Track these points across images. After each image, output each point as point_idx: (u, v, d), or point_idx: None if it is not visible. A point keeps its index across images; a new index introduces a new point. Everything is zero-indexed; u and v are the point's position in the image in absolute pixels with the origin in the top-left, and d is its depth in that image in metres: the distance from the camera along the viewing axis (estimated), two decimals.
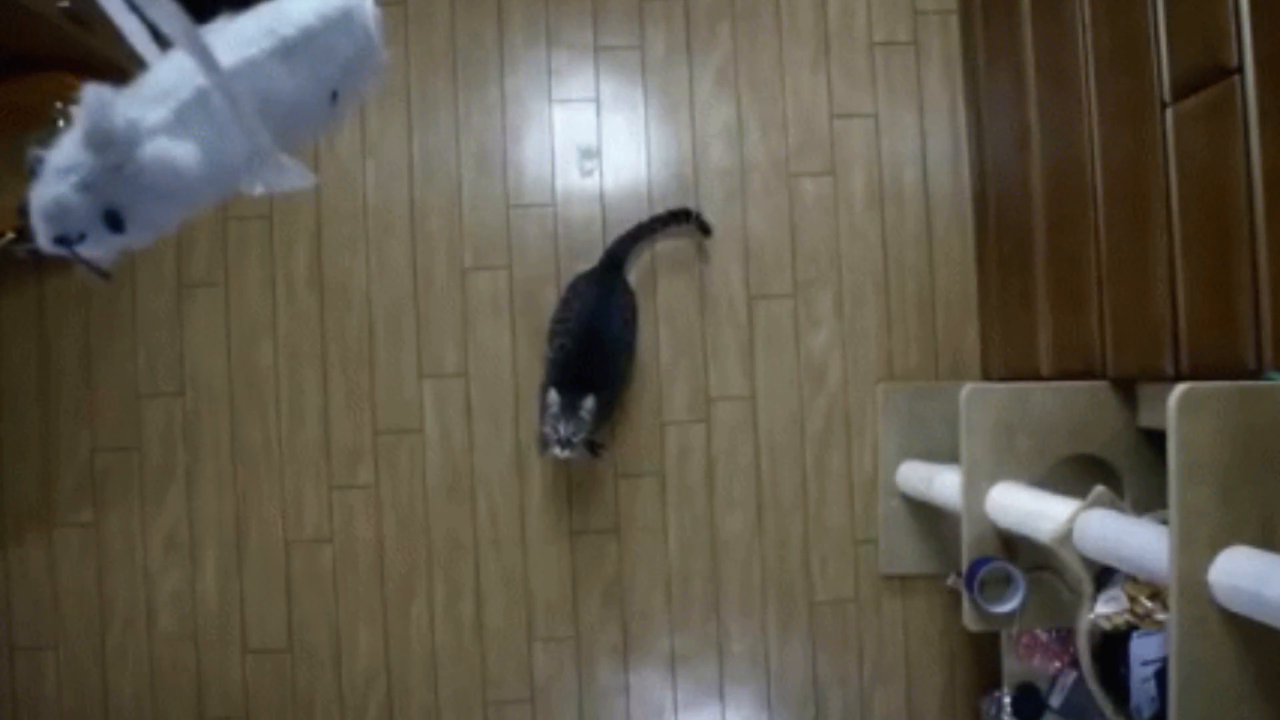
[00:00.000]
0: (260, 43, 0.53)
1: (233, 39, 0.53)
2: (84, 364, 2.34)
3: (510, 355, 2.36)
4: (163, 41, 0.54)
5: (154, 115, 0.50)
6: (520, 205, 2.39)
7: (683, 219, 2.34)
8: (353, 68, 0.57)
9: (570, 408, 2.08)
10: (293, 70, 0.54)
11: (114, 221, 0.50)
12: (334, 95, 0.57)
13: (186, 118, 0.51)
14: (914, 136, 2.41)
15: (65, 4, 1.83)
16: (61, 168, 0.50)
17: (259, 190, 0.56)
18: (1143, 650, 1.52)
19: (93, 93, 0.49)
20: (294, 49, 0.54)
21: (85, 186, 0.49)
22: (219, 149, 0.52)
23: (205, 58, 0.50)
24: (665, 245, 2.38)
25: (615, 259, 2.28)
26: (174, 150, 0.50)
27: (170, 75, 0.52)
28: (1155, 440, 1.71)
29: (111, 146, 0.48)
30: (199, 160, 0.51)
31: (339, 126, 0.60)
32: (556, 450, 2.10)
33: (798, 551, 2.37)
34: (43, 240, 0.51)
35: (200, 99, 0.51)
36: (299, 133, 0.57)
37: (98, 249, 0.51)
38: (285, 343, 2.35)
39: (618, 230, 2.34)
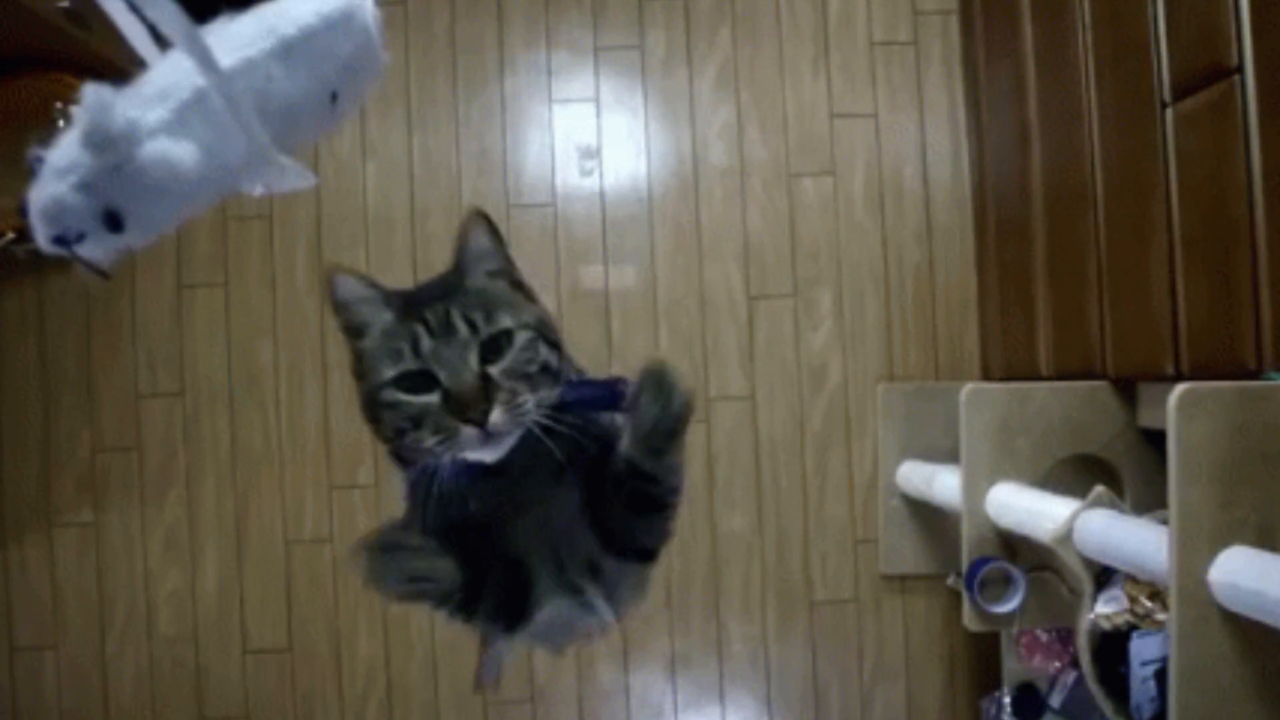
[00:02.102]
0: (260, 43, 0.53)
1: (232, 39, 0.53)
2: (84, 364, 2.34)
3: None
4: (162, 41, 0.53)
5: (153, 115, 0.50)
6: (520, 205, 2.39)
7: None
8: (353, 68, 0.57)
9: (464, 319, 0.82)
10: (292, 70, 0.54)
11: (113, 221, 0.50)
12: (334, 96, 0.57)
13: (186, 118, 0.51)
14: (914, 136, 2.41)
15: (65, 4, 1.83)
16: (60, 167, 0.50)
17: (259, 190, 0.56)
18: (1143, 650, 1.52)
19: (92, 92, 0.49)
20: (294, 49, 0.53)
21: (84, 186, 0.49)
22: (218, 149, 0.51)
23: (204, 57, 0.50)
24: (665, 244, 2.38)
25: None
26: (174, 150, 0.50)
27: (170, 75, 0.52)
28: (1155, 440, 1.71)
29: (111, 146, 0.48)
30: (198, 160, 0.50)
31: (339, 127, 0.59)
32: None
33: (798, 551, 2.37)
34: (42, 240, 0.51)
35: (200, 99, 0.51)
36: (299, 133, 0.57)
37: (97, 249, 0.51)
38: (285, 343, 2.35)
39: (618, 229, 2.34)
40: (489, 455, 0.78)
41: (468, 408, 0.76)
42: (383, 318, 0.81)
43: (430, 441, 0.77)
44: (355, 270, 0.82)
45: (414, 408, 0.78)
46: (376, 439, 0.82)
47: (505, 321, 0.81)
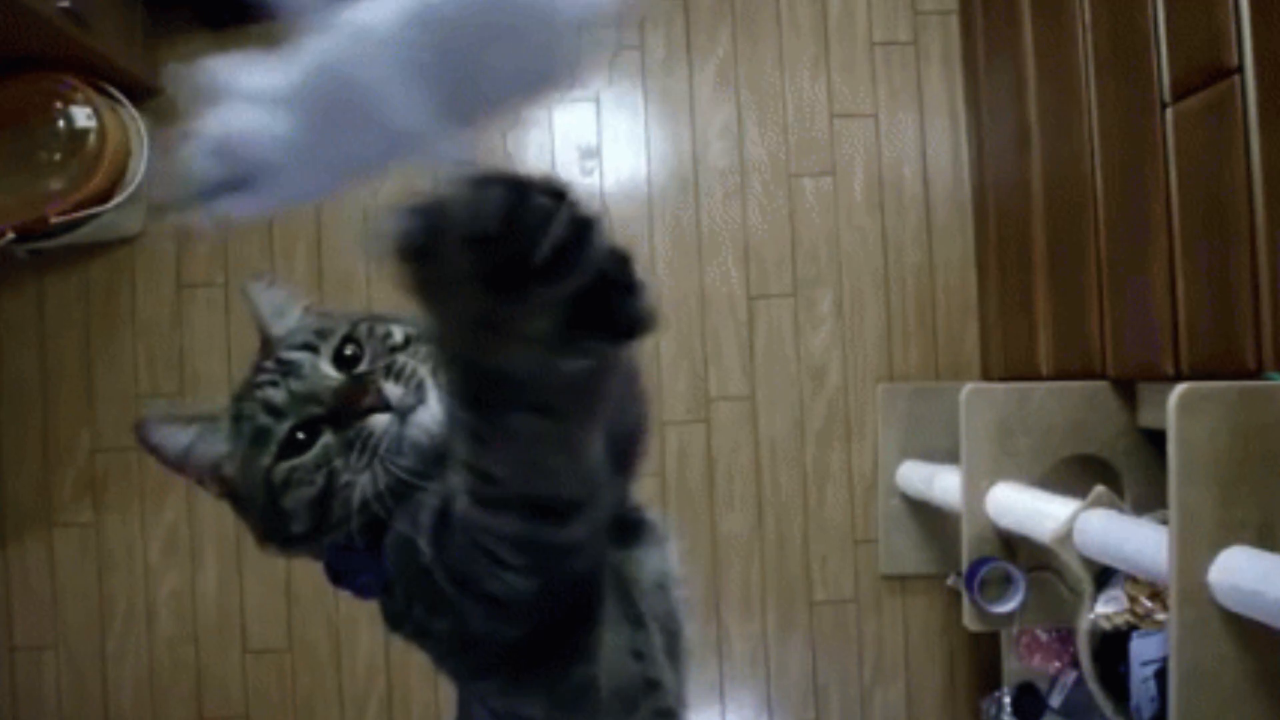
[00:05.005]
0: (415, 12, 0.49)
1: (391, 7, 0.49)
2: (84, 364, 2.34)
3: None
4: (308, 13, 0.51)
5: (285, 83, 0.49)
6: None
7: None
8: (548, 52, 0.50)
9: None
10: (466, 45, 0.49)
11: (243, 186, 0.49)
12: (526, 78, 0.51)
13: (325, 88, 0.48)
14: (914, 136, 2.41)
15: (65, 4, 1.84)
16: (202, 134, 0.48)
17: (413, 167, 0.53)
18: (1143, 650, 1.52)
19: (226, 62, 0.48)
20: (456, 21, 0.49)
21: (217, 152, 0.48)
22: (357, 123, 0.49)
23: (357, 28, 0.47)
24: (664, 243, 2.38)
25: None
26: (308, 120, 0.48)
27: (317, 45, 0.50)
28: (1155, 440, 1.71)
29: (249, 113, 0.47)
30: (335, 131, 0.48)
31: (532, 110, 0.53)
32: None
33: (798, 551, 2.37)
34: (181, 198, 0.50)
35: (343, 67, 0.48)
36: (472, 112, 0.53)
37: (232, 209, 0.49)
38: None
39: (618, 229, 2.33)
40: (423, 428, 0.67)
41: (356, 404, 0.67)
42: (220, 430, 0.73)
43: (354, 460, 0.67)
44: (160, 412, 0.74)
45: (312, 458, 0.68)
46: (299, 555, 0.73)
47: (340, 329, 0.72)
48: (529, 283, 0.45)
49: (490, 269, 0.45)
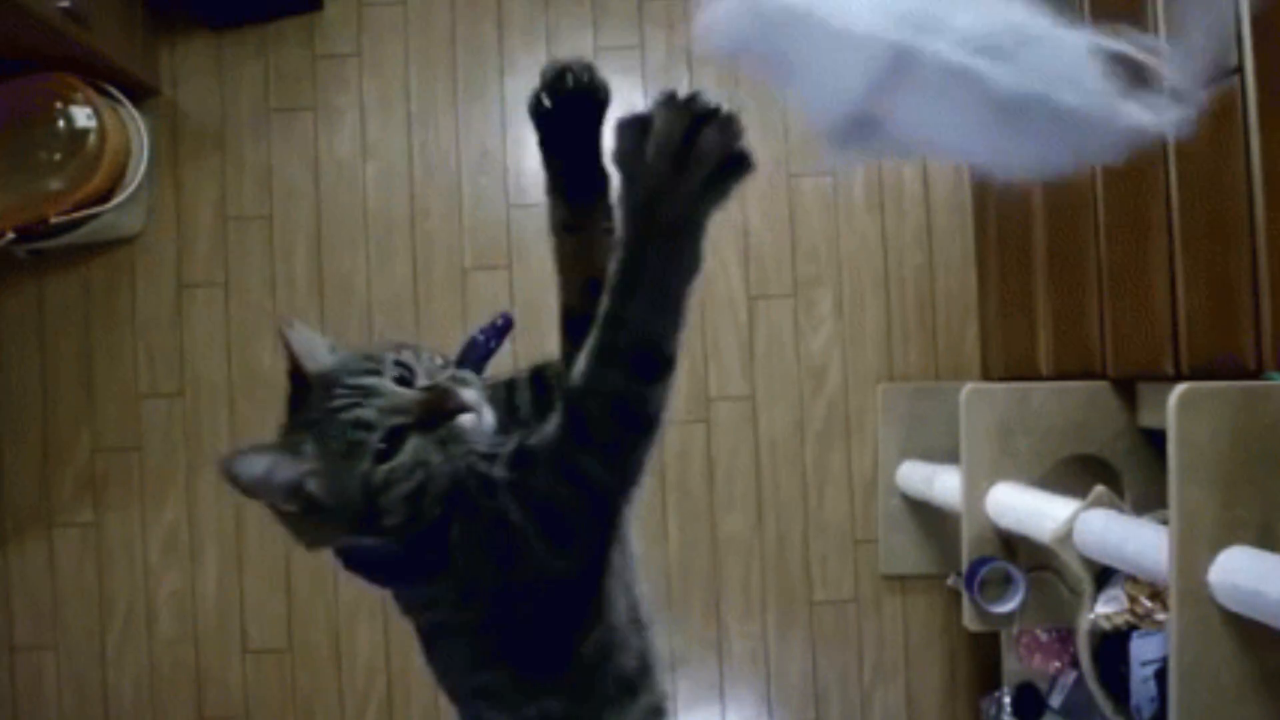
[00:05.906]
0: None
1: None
2: (84, 364, 2.34)
3: (510, 355, 2.36)
4: None
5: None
6: (520, 205, 2.39)
7: None
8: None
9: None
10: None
11: (864, 135, 0.49)
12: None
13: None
14: None
15: (65, 4, 1.84)
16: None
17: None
18: (1143, 650, 1.52)
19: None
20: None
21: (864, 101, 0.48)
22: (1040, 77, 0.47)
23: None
24: None
25: None
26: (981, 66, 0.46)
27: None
28: (1155, 440, 1.71)
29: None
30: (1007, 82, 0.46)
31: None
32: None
33: (798, 551, 2.37)
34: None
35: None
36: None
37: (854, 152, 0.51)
38: None
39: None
40: (491, 423, 0.84)
41: (444, 409, 0.81)
42: (300, 453, 0.82)
43: (451, 453, 0.80)
44: (243, 447, 0.85)
45: (409, 459, 0.79)
46: (348, 544, 0.86)
47: (388, 356, 0.84)
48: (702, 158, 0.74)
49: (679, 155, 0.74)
